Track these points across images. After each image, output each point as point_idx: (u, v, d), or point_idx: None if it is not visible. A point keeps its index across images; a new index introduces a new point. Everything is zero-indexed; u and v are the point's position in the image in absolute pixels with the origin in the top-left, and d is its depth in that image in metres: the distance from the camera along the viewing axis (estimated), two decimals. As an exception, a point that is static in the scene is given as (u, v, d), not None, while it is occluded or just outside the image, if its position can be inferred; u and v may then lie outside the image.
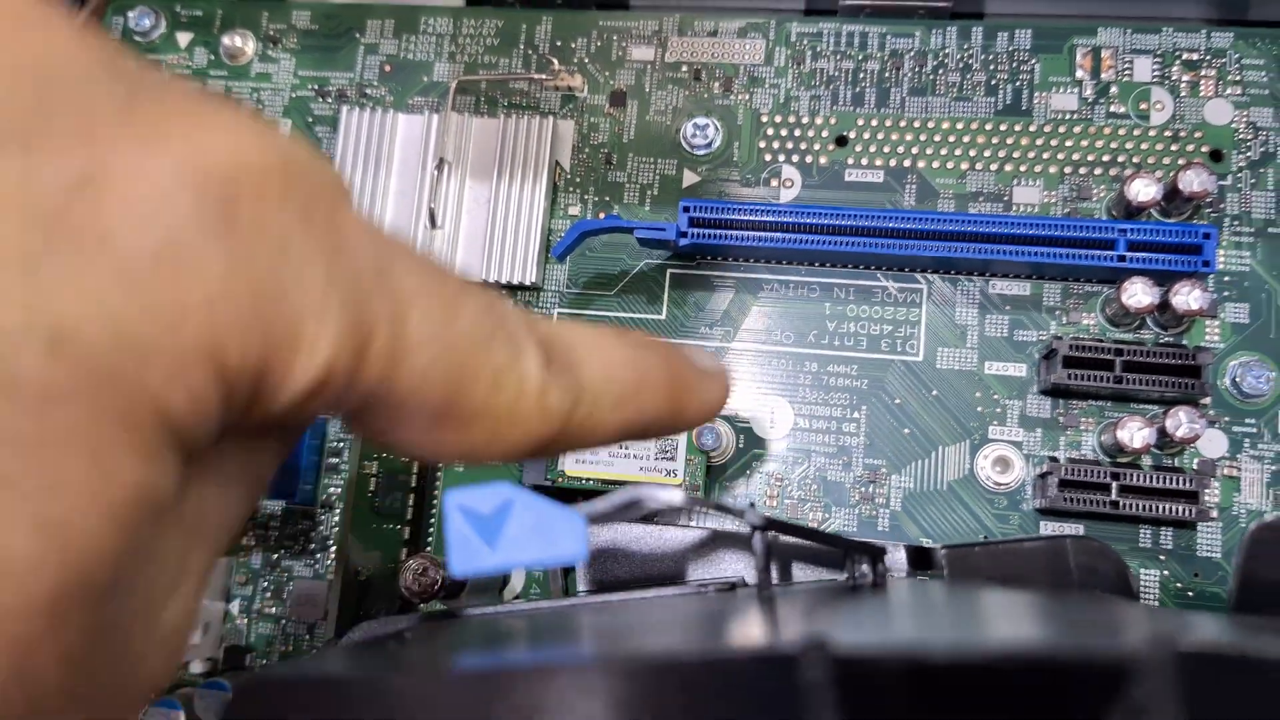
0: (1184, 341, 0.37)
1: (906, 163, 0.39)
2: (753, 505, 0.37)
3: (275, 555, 0.39)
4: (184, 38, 0.43)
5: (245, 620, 0.38)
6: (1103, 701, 0.15)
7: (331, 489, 0.39)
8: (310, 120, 0.42)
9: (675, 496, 0.23)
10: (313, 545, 0.39)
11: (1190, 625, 0.21)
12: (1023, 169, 0.39)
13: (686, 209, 0.37)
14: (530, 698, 0.15)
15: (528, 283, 0.39)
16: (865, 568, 0.30)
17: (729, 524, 0.35)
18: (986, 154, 0.39)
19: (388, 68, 0.42)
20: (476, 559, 0.21)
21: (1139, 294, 0.35)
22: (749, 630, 0.21)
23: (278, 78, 0.43)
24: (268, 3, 0.43)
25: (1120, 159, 0.38)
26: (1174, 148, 0.38)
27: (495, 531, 0.21)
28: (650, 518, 0.34)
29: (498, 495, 0.21)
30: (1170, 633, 0.16)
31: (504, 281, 0.39)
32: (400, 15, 0.42)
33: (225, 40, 0.43)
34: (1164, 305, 0.35)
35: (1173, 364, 0.35)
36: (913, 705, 0.15)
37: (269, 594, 0.38)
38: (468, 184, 0.40)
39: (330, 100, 0.42)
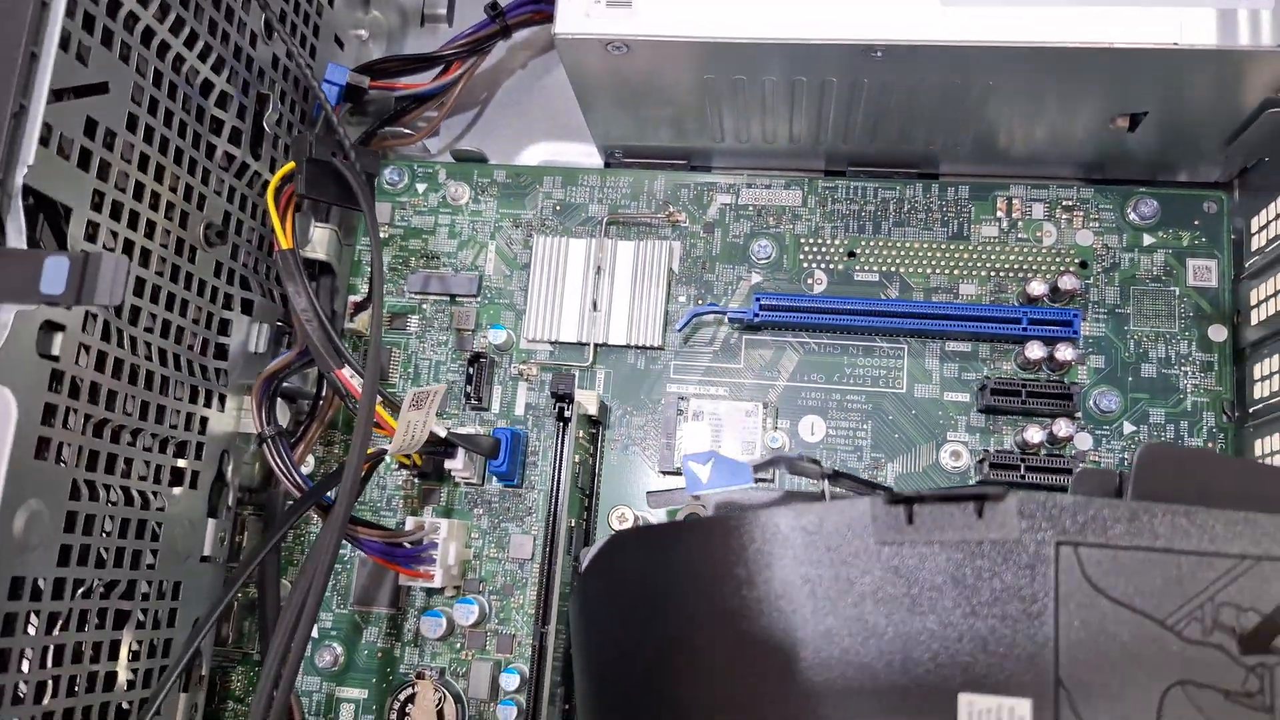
0: (1064, 379, 0.60)
1: (892, 269, 0.62)
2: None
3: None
4: (421, 187, 0.66)
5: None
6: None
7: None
8: (508, 242, 0.65)
9: (813, 468, 0.46)
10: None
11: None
12: (964, 273, 0.62)
13: (759, 299, 0.60)
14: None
15: (655, 344, 0.62)
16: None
17: (803, 484, 0.57)
18: (941, 264, 0.62)
19: (558, 207, 0.65)
20: (697, 487, 0.43)
21: (1035, 350, 0.59)
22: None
23: (485, 214, 0.66)
24: (476, 164, 0.66)
25: (1024, 267, 0.62)
26: (1057, 260, 0.62)
27: (707, 472, 0.43)
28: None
29: (708, 455, 0.43)
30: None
31: (640, 344, 0.62)
32: (565, 173, 0.66)
33: (449, 188, 0.66)
34: (1050, 357, 0.58)
35: (1056, 392, 0.58)
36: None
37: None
38: (615, 282, 0.63)
39: (520, 228, 0.65)
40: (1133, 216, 0.62)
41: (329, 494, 0.54)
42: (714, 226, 0.64)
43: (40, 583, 0.41)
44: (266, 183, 0.59)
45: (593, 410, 0.59)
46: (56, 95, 0.41)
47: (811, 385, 0.61)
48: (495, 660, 0.59)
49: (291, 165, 0.54)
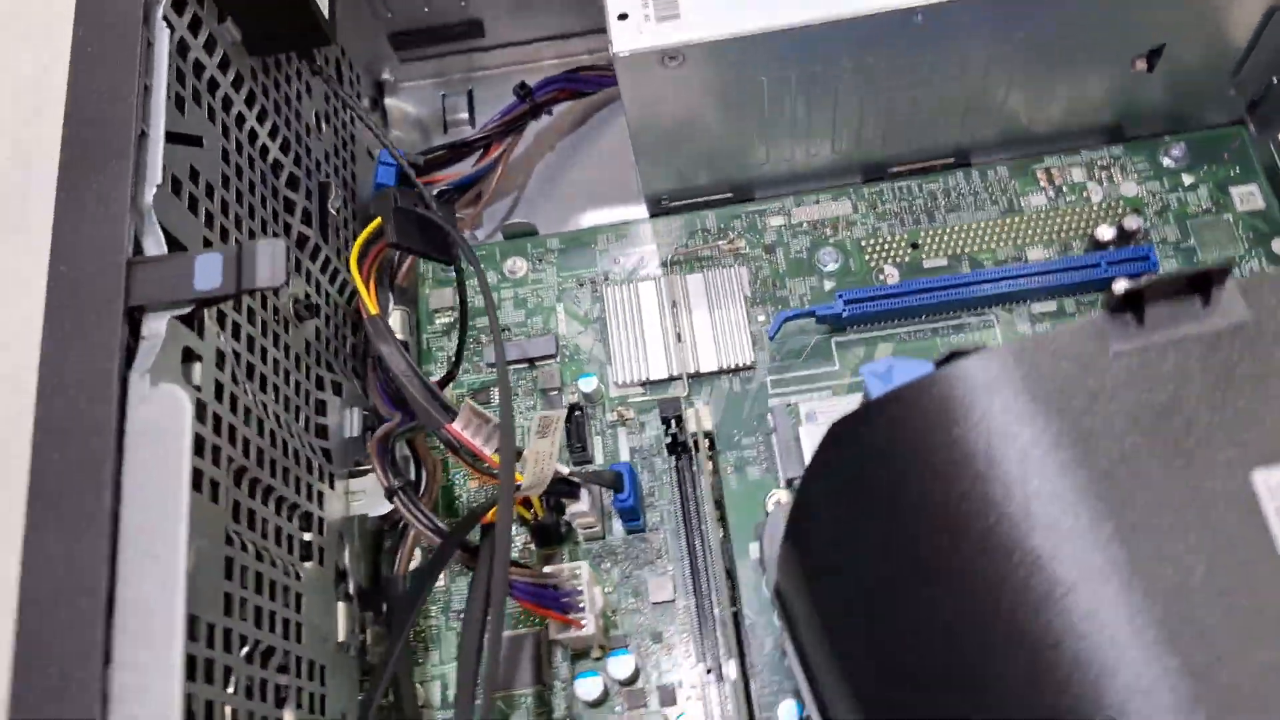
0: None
1: (957, 251, 0.63)
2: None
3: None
4: (477, 269, 0.66)
5: (615, 616, 0.56)
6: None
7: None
8: (575, 302, 0.65)
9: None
10: (648, 557, 0.57)
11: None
12: (1027, 241, 0.63)
13: (841, 296, 0.60)
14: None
15: (746, 363, 0.61)
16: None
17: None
18: (1003, 237, 0.63)
19: (617, 260, 0.66)
20: (880, 389, 0.41)
21: (1121, 288, 0.59)
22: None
23: (546, 279, 0.66)
24: (528, 237, 0.67)
25: (1081, 225, 0.63)
26: (1110, 212, 0.64)
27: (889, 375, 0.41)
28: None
29: (886, 363, 0.41)
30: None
31: (732, 366, 0.61)
32: (616, 229, 0.67)
33: (505, 264, 0.66)
34: (1137, 291, 0.59)
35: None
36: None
37: (626, 595, 0.57)
38: (693, 312, 0.62)
39: (584, 285, 0.65)
40: (1167, 161, 0.65)
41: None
42: (774, 247, 0.65)
43: (213, 629, 0.37)
44: (336, 269, 0.59)
45: (708, 425, 0.57)
46: (166, 136, 0.41)
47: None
48: (662, 715, 0.54)
49: (375, 225, 0.53)
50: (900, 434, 0.36)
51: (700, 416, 0.57)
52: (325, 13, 0.49)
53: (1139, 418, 0.34)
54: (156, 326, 0.36)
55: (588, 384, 0.61)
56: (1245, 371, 0.34)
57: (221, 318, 0.43)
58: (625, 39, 0.54)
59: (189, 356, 0.39)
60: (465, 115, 0.73)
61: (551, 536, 0.59)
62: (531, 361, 0.63)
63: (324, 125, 0.60)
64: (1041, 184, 0.65)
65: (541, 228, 0.68)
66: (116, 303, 0.35)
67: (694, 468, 0.59)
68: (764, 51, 0.55)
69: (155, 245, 0.37)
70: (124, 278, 0.36)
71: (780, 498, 0.53)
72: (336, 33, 0.51)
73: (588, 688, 0.54)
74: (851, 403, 0.59)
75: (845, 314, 0.60)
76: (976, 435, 0.35)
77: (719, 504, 0.58)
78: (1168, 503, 0.32)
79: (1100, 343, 0.35)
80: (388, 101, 0.73)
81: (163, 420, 0.34)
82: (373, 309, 0.54)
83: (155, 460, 0.33)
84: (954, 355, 0.42)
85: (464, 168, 0.67)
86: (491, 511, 0.50)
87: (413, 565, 0.57)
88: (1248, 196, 0.64)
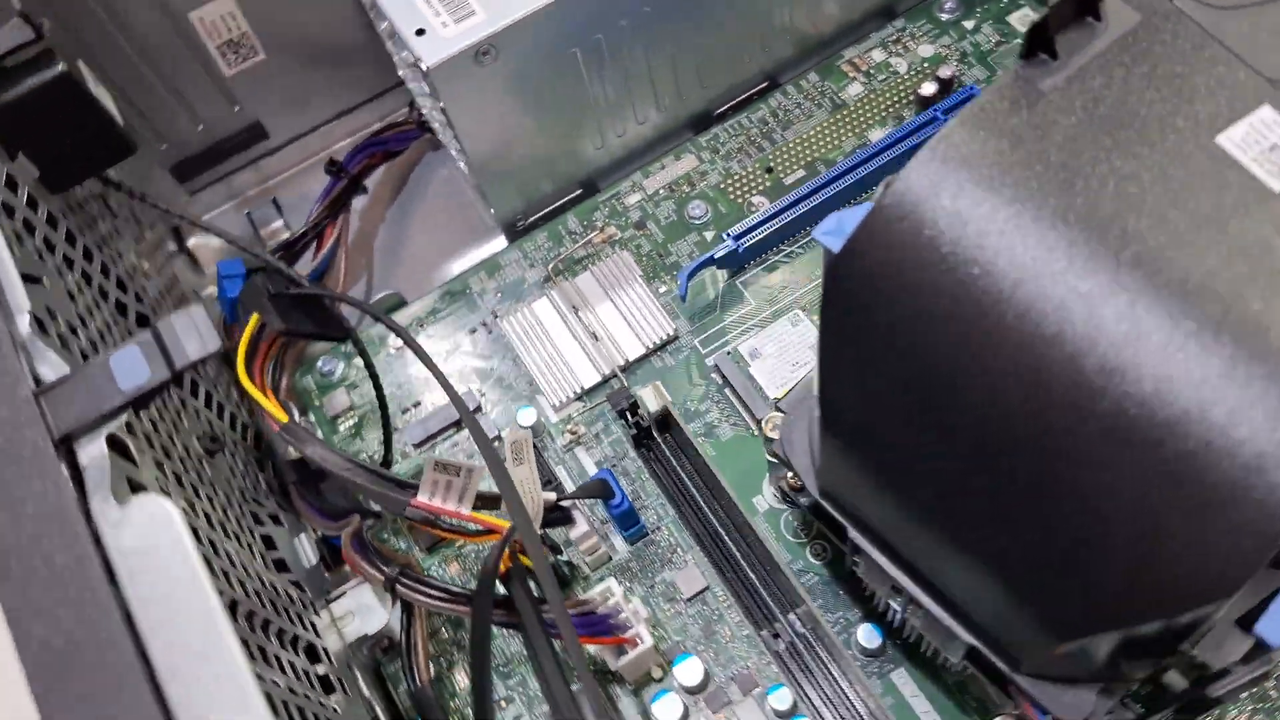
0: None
1: (809, 159, 0.64)
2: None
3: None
4: (357, 359, 0.61)
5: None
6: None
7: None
8: (473, 352, 0.61)
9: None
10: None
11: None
12: (864, 128, 0.65)
13: (727, 234, 0.59)
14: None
15: (669, 334, 0.59)
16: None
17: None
18: (842, 132, 0.65)
19: (500, 294, 0.63)
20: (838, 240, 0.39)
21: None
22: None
23: (436, 341, 0.61)
24: (403, 308, 0.63)
25: (903, 95, 0.65)
26: (922, 73, 0.66)
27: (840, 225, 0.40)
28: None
29: (832, 220, 0.40)
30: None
31: (655, 344, 0.58)
32: (487, 265, 0.63)
33: (391, 341, 0.61)
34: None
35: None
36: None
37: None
38: (597, 310, 0.60)
39: (475, 332, 0.61)
40: (944, 16, 0.68)
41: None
42: (643, 221, 0.64)
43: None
44: (220, 403, 0.53)
45: (653, 406, 0.54)
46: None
47: (814, 279, 0.60)
48: (753, 701, 0.50)
49: (255, 322, 0.48)
50: (882, 271, 0.35)
51: (652, 395, 0.55)
52: (118, 119, 0.44)
53: (1094, 135, 0.34)
54: (94, 450, 0.30)
55: (526, 416, 0.58)
56: (1162, 57, 0.35)
57: (148, 449, 0.37)
58: (432, 51, 0.51)
59: (134, 488, 0.33)
60: (280, 223, 0.68)
61: (558, 580, 0.54)
62: (458, 424, 0.59)
63: (147, 264, 0.54)
64: (850, 75, 0.67)
65: (408, 295, 0.64)
66: (43, 439, 0.29)
67: (666, 449, 0.56)
68: (566, 20, 0.54)
69: (53, 370, 0.32)
70: (39, 409, 0.30)
71: (774, 420, 0.50)
72: (135, 142, 0.46)
73: (666, 708, 0.50)
74: (781, 328, 0.58)
75: (741, 249, 0.59)
76: (949, 226, 0.34)
77: (703, 474, 0.55)
78: (1154, 197, 0.33)
79: (1028, 86, 0.35)
80: (192, 243, 0.68)
81: (151, 536, 0.28)
82: (281, 416, 0.49)
83: (164, 584, 0.28)
84: (888, 185, 0.41)
85: (304, 266, 0.62)
86: (504, 557, 0.45)
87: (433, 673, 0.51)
88: (1024, 19, 0.68)
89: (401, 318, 0.63)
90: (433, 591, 0.45)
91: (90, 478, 0.30)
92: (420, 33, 0.52)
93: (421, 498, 0.47)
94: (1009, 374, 0.33)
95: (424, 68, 0.51)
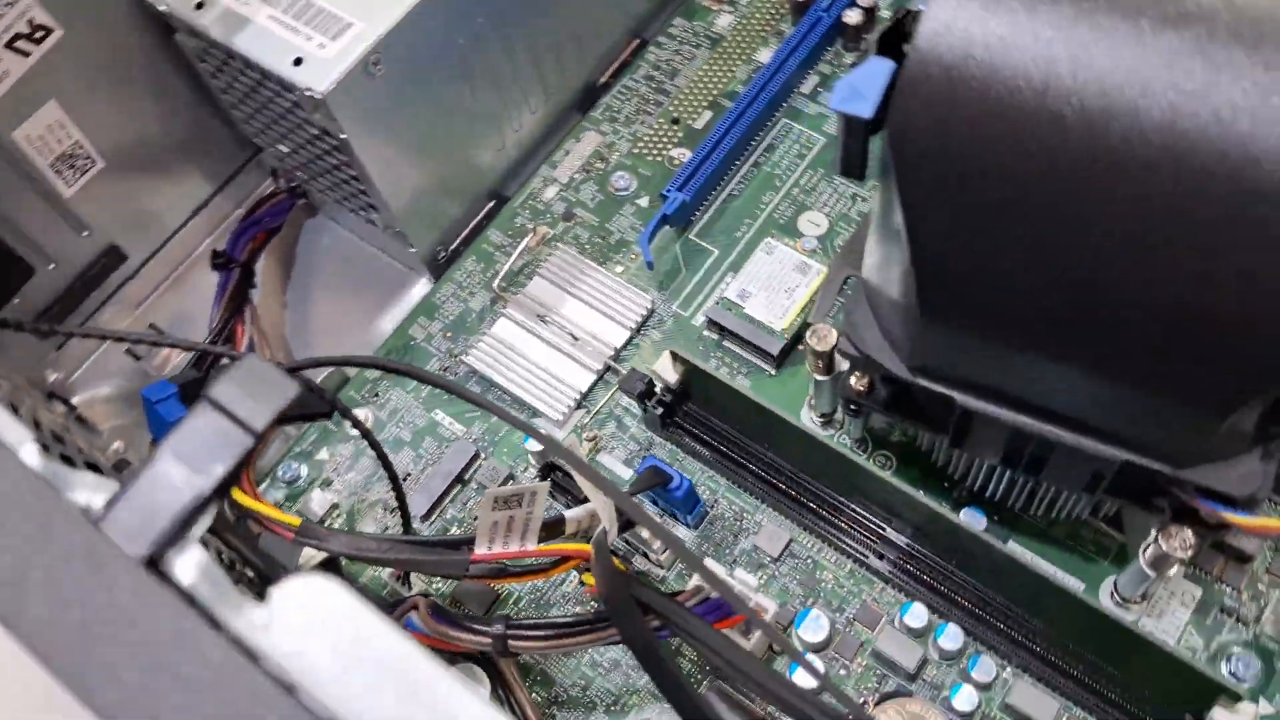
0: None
1: (710, 98, 0.62)
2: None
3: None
4: (321, 454, 0.55)
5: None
6: None
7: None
8: (448, 403, 0.55)
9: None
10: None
11: None
12: (749, 50, 0.63)
13: (666, 192, 0.56)
14: None
15: (646, 309, 0.55)
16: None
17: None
18: (731, 62, 0.63)
19: (448, 334, 0.57)
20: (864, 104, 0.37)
21: (853, 16, 0.60)
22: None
23: (399, 409, 0.55)
24: (349, 383, 0.56)
25: (771, 12, 0.64)
26: (782, -13, 0.65)
27: (854, 90, 0.37)
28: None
29: (843, 82, 0.37)
30: None
31: (637, 323, 0.54)
32: (420, 311, 0.58)
33: (341, 434, 0.55)
34: (867, 10, 0.60)
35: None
36: None
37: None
38: (565, 309, 0.55)
39: (445, 373, 0.56)
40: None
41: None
42: (571, 210, 0.59)
43: None
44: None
45: (673, 373, 0.50)
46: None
47: (768, 203, 0.58)
48: (888, 630, 0.47)
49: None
50: (954, 119, 0.33)
51: (663, 368, 0.50)
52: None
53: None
54: (188, 560, 0.24)
55: (531, 445, 0.52)
56: None
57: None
58: (321, 75, 0.46)
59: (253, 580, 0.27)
60: (164, 352, 0.60)
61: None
62: (461, 479, 0.53)
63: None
64: (714, 9, 0.65)
65: (347, 369, 0.58)
66: (127, 572, 0.23)
67: (695, 419, 0.51)
68: (445, 12, 0.50)
69: (93, 492, 0.25)
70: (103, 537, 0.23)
71: (820, 331, 0.47)
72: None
73: (803, 680, 0.45)
74: (758, 262, 0.55)
75: (688, 198, 0.56)
76: (1000, 50, 0.32)
77: (745, 421, 0.51)
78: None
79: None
80: (77, 399, 0.59)
81: (314, 619, 0.22)
82: (293, 520, 0.42)
83: (354, 666, 0.22)
84: (884, 39, 0.39)
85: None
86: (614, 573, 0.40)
87: None
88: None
89: (352, 391, 0.56)
90: (551, 632, 0.39)
91: (200, 590, 0.23)
92: (299, 62, 0.46)
93: (480, 549, 0.42)
94: (1123, 170, 0.31)
95: (317, 95, 0.46)
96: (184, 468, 0.24)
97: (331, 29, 0.47)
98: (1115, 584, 0.47)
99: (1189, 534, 0.40)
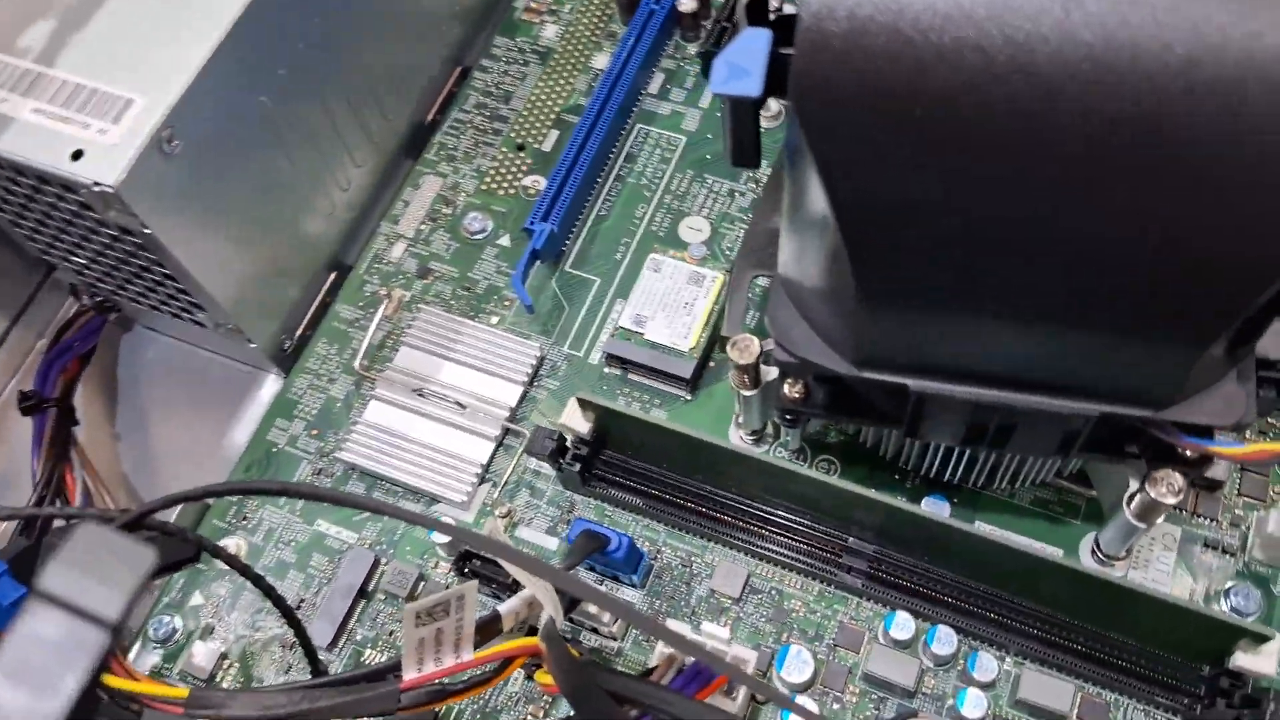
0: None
1: (550, 113, 0.57)
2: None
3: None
4: (196, 597, 0.47)
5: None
6: None
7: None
8: (329, 525, 0.48)
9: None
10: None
11: None
12: (585, 56, 0.58)
13: (527, 226, 0.51)
14: None
15: (536, 356, 0.49)
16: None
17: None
18: (566, 71, 0.58)
19: (314, 432, 0.50)
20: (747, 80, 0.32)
21: (687, 4, 0.56)
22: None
23: (274, 521, 0.48)
24: (206, 511, 0.49)
25: (597, 9, 0.60)
26: (601, -11, 0.61)
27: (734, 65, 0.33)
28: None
29: (720, 63, 0.32)
30: None
31: (527, 374, 0.49)
32: (279, 406, 0.50)
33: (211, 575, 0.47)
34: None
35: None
36: None
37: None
38: (443, 374, 0.49)
39: (319, 476, 0.49)
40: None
41: None
42: (426, 266, 0.53)
43: None
44: None
45: (584, 423, 0.44)
46: None
47: (642, 217, 0.53)
48: (872, 635, 0.42)
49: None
50: (862, 79, 0.29)
51: (571, 418, 0.45)
52: None
53: None
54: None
55: (438, 538, 0.46)
56: None
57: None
58: (105, 167, 0.39)
59: None
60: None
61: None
62: (364, 591, 0.46)
63: None
64: (536, 21, 0.60)
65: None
66: None
67: (616, 466, 0.46)
68: (236, 72, 0.43)
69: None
70: None
71: (741, 342, 0.42)
72: None
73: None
74: (647, 282, 0.50)
75: (555, 228, 0.51)
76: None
77: (671, 458, 0.46)
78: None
79: None
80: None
81: None
82: (179, 692, 0.35)
83: None
84: (752, 7, 0.35)
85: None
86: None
87: None
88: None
89: (211, 518, 0.48)
90: None
91: None
92: (78, 155, 0.39)
93: (410, 674, 0.35)
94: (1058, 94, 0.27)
95: (108, 189, 0.38)
96: (23, 693, 0.18)
97: (110, 110, 0.40)
98: (1097, 542, 0.44)
99: (1177, 477, 0.37)
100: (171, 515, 0.48)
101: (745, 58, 0.32)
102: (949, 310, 0.33)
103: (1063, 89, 0.27)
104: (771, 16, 0.33)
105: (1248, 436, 0.45)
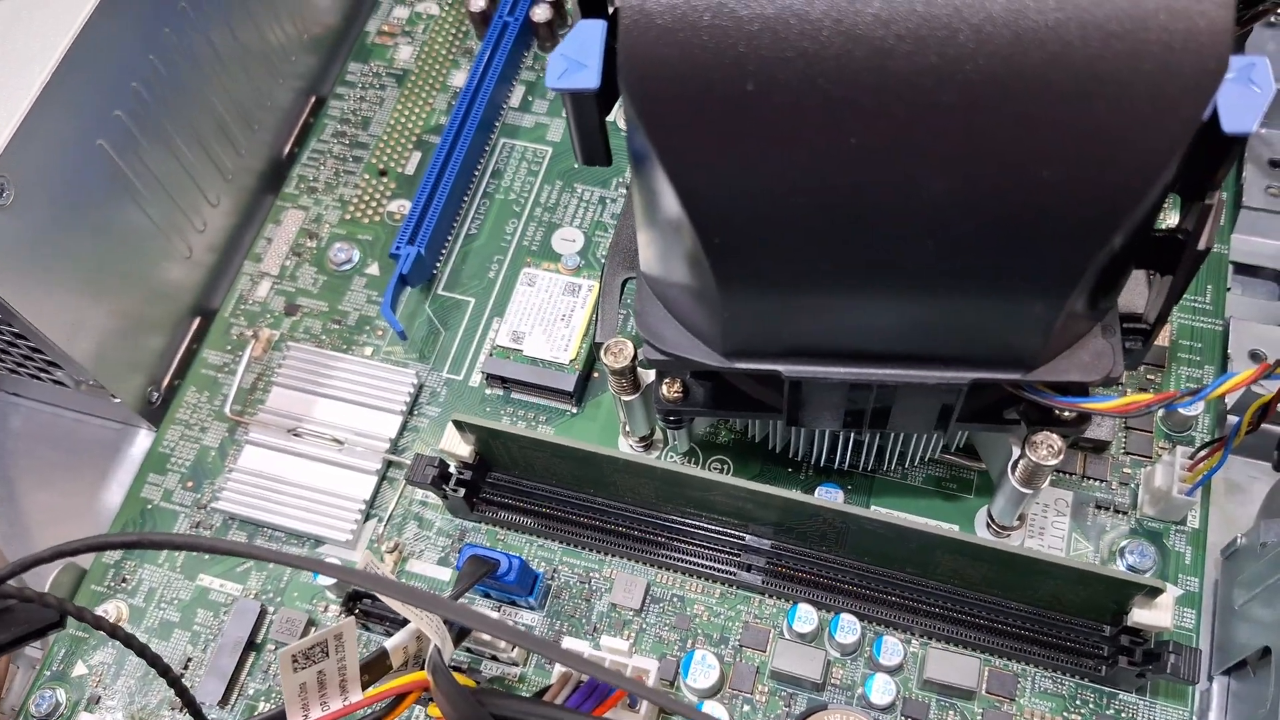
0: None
1: (411, 137, 0.55)
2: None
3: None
4: (78, 669, 0.44)
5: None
6: None
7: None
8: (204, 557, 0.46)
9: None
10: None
11: None
12: (448, 65, 0.57)
13: (395, 250, 0.49)
14: None
15: (413, 385, 0.48)
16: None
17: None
18: (429, 85, 0.57)
19: (190, 482, 0.48)
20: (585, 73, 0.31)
21: (543, 12, 0.56)
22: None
23: (148, 580, 0.45)
24: (81, 579, 0.46)
25: (459, 30, 0.58)
26: None
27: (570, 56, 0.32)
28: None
29: (556, 57, 0.31)
30: None
31: (407, 404, 0.47)
32: (149, 467, 0.48)
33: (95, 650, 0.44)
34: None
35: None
36: None
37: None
38: (319, 413, 0.47)
39: (197, 529, 0.46)
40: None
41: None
42: (292, 303, 0.51)
43: None
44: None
45: (464, 448, 0.43)
46: None
47: (513, 232, 0.52)
48: (784, 644, 0.41)
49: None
50: (675, 42, 0.28)
51: (451, 443, 0.43)
52: None
53: None
54: None
55: (323, 580, 0.44)
56: None
57: None
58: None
59: None
60: None
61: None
62: (253, 644, 0.44)
63: None
64: (389, 44, 0.59)
65: (80, 560, 0.47)
66: None
67: (502, 487, 0.45)
68: (71, 114, 0.41)
69: None
70: None
71: (614, 346, 0.41)
72: None
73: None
74: (522, 297, 0.49)
75: (422, 251, 0.49)
76: None
77: (558, 473, 0.45)
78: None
79: None
80: None
81: None
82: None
83: None
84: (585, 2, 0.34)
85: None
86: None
87: None
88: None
89: (88, 584, 0.46)
90: None
91: None
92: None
93: (296, 724, 0.33)
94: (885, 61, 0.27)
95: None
96: None
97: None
98: (990, 514, 0.43)
99: (1055, 438, 0.37)
100: (45, 581, 0.45)
101: (580, 51, 0.31)
102: (808, 288, 0.32)
103: (891, 49, 0.27)
104: (611, 9, 0.32)
105: (1126, 391, 0.46)
